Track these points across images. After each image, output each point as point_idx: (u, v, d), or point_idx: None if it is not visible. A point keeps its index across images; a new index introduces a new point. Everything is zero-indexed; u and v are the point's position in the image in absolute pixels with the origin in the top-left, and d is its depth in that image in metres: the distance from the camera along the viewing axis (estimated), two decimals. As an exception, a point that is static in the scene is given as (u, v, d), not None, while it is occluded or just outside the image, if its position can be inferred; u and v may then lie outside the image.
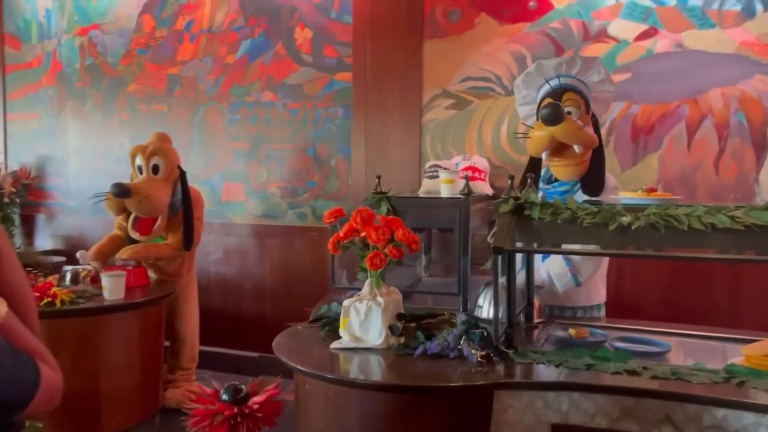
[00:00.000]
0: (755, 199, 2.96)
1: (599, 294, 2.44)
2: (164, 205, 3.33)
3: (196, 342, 3.58)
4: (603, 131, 3.16)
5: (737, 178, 3.00)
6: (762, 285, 2.97)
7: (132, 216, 3.34)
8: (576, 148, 2.23)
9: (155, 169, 3.36)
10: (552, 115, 2.15)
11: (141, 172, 3.38)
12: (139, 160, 3.38)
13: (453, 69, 3.53)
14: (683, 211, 1.68)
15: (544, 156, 2.27)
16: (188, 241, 3.37)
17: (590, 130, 2.32)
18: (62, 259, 4.06)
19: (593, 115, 2.44)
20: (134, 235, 3.34)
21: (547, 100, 2.28)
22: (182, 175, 3.42)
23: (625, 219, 1.68)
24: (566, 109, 2.29)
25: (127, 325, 2.99)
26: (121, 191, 3.22)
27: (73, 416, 2.82)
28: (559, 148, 2.24)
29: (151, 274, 3.45)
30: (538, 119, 2.36)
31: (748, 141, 2.98)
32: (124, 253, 3.25)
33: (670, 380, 1.60)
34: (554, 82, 2.30)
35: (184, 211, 3.38)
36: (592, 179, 2.27)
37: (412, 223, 2.02)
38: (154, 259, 3.39)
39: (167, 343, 3.53)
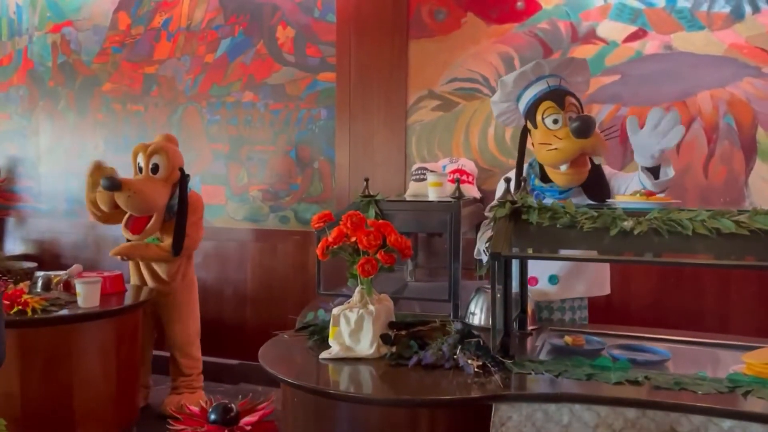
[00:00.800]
0: (744, 202, 2.94)
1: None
2: (158, 204, 3.24)
3: (195, 348, 3.49)
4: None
5: (726, 181, 2.98)
6: (749, 289, 2.96)
7: (127, 214, 3.25)
8: (596, 159, 2.20)
9: (155, 169, 3.28)
10: (586, 129, 2.10)
11: (141, 172, 3.31)
12: (140, 159, 3.30)
13: (439, 70, 3.47)
14: (686, 215, 1.63)
15: (563, 167, 2.20)
16: (177, 246, 3.27)
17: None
18: (33, 264, 3.91)
19: None
20: (126, 234, 3.26)
21: (548, 103, 2.22)
22: (183, 177, 3.34)
23: (627, 224, 1.63)
24: (570, 114, 2.24)
25: (103, 333, 2.87)
26: (112, 184, 3.11)
27: (47, 429, 2.71)
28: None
29: (148, 279, 3.38)
30: (534, 125, 2.29)
31: (737, 144, 2.96)
32: (113, 251, 3.27)
33: (673, 390, 1.55)
34: (553, 83, 2.25)
35: (178, 216, 3.29)
36: (597, 185, 2.23)
37: (400, 227, 1.95)
38: (140, 258, 3.32)
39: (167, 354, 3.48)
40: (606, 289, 2.42)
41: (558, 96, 2.22)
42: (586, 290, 2.36)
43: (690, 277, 3.01)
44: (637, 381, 1.59)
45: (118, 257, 3.30)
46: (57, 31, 4.49)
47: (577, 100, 2.27)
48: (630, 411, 1.52)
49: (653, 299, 3.08)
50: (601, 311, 2.56)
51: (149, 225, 3.23)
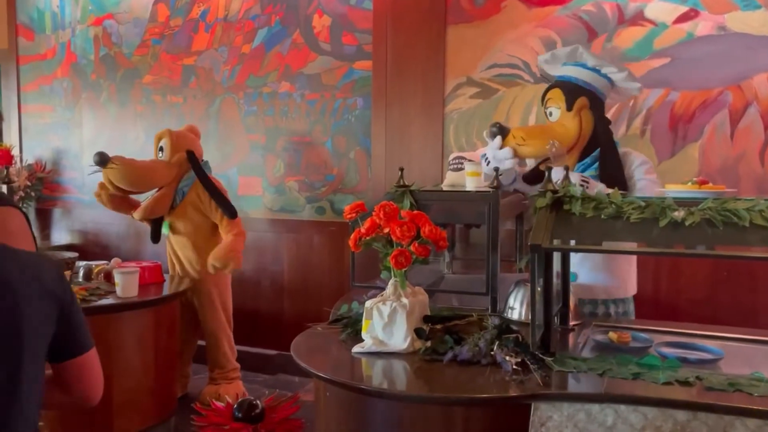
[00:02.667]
0: (804, 192, 2.78)
1: (632, 286, 2.30)
2: (153, 180, 3.33)
3: (229, 339, 3.50)
4: (638, 120, 3.00)
5: (784, 169, 2.82)
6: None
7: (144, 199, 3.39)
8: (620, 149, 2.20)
9: (161, 151, 3.41)
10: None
11: None
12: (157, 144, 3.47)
13: (478, 56, 3.37)
14: (743, 205, 1.52)
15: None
16: (230, 211, 3.33)
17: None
18: (75, 254, 3.97)
19: (596, 108, 2.26)
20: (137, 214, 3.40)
21: None
22: (191, 159, 3.37)
23: (678, 214, 1.52)
24: (548, 110, 2.25)
25: (141, 323, 2.90)
26: (100, 159, 3.25)
27: (85, 419, 2.74)
28: None
29: (188, 267, 3.41)
30: None
31: (796, 130, 2.79)
32: (218, 263, 3.23)
33: (727, 392, 1.45)
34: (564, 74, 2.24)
35: (210, 190, 3.33)
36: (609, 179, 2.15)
37: (436, 218, 1.89)
38: (237, 254, 3.30)
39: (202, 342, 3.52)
40: (629, 291, 2.30)
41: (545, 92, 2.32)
42: (605, 291, 2.25)
43: (745, 270, 2.86)
44: (688, 381, 1.50)
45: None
46: (99, 24, 4.55)
47: (567, 88, 2.22)
48: (680, 413, 1.43)
49: (705, 294, 2.93)
50: (650, 306, 2.45)
51: (149, 200, 3.34)
